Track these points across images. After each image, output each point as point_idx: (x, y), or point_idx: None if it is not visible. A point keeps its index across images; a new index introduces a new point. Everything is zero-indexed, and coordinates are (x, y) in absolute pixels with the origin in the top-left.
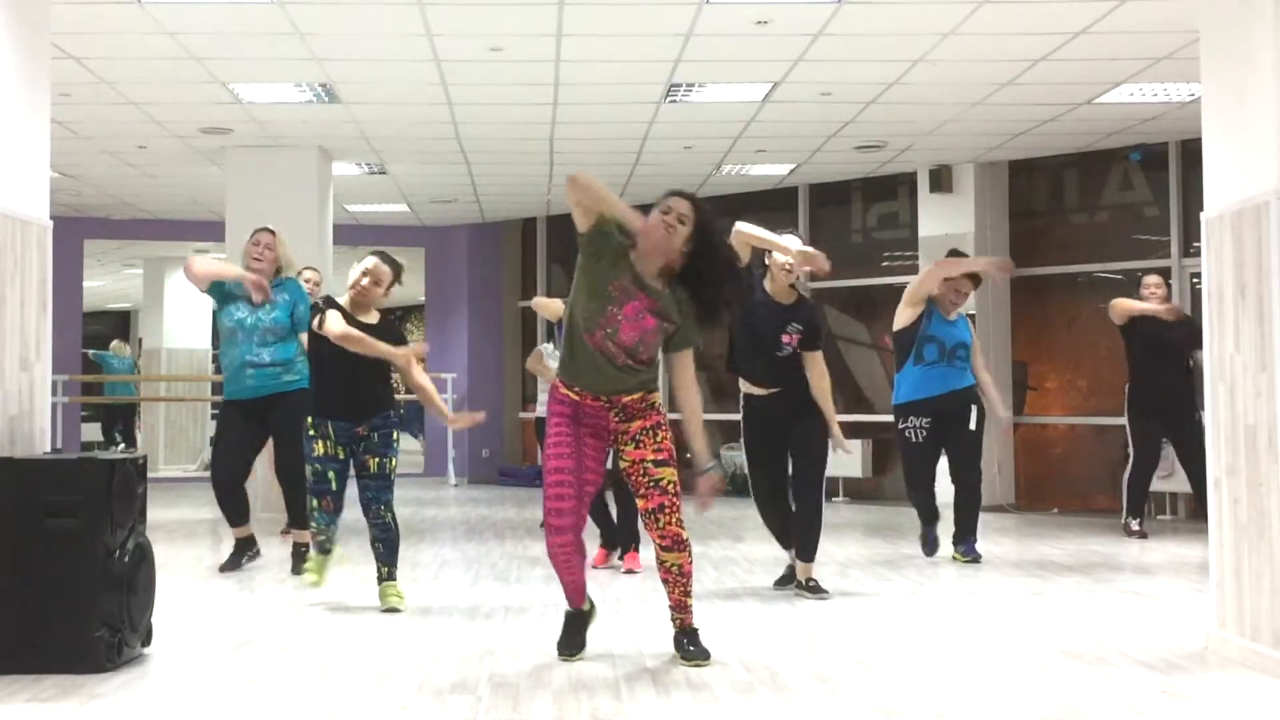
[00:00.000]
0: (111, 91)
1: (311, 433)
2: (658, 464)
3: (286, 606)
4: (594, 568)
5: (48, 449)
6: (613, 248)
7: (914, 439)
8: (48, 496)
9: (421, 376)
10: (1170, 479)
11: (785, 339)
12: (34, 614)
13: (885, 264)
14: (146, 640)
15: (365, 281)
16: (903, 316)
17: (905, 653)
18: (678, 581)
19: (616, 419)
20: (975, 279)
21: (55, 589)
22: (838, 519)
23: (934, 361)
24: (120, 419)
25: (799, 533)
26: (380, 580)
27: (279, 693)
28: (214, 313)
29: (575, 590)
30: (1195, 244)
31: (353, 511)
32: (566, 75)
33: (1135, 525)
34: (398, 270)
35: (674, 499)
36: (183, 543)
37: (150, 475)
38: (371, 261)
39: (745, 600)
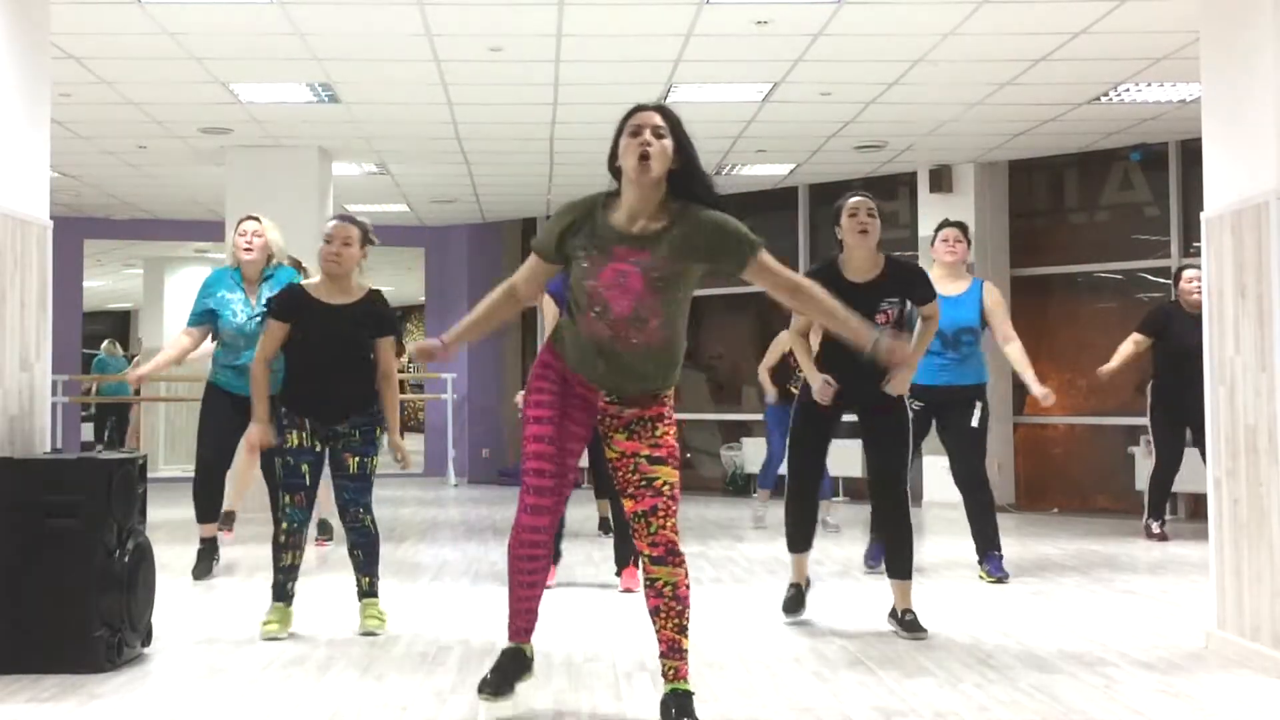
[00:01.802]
0: (111, 91)
1: (284, 422)
2: (653, 460)
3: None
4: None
5: (48, 449)
6: (580, 226)
7: None
8: (48, 496)
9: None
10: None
11: (880, 319)
12: (34, 614)
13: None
14: (146, 640)
15: (335, 247)
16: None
17: (905, 653)
18: (670, 610)
19: (608, 398)
20: (962, 228)
21: (55, 589)
22: (838, 518)
23: (937, 352)
24: (114, 417)
25: (889, 543)
26: (360, 594)
27: (279, 693)
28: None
29: (526, 615)
30: (1195, 244)
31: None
32: (566, 75)
33: (1156, 528)
34: (364, 227)
35: (669, 502)
36: (183, 543)
37: (150, 475)
38: (331, 225)
39: (744, 600)
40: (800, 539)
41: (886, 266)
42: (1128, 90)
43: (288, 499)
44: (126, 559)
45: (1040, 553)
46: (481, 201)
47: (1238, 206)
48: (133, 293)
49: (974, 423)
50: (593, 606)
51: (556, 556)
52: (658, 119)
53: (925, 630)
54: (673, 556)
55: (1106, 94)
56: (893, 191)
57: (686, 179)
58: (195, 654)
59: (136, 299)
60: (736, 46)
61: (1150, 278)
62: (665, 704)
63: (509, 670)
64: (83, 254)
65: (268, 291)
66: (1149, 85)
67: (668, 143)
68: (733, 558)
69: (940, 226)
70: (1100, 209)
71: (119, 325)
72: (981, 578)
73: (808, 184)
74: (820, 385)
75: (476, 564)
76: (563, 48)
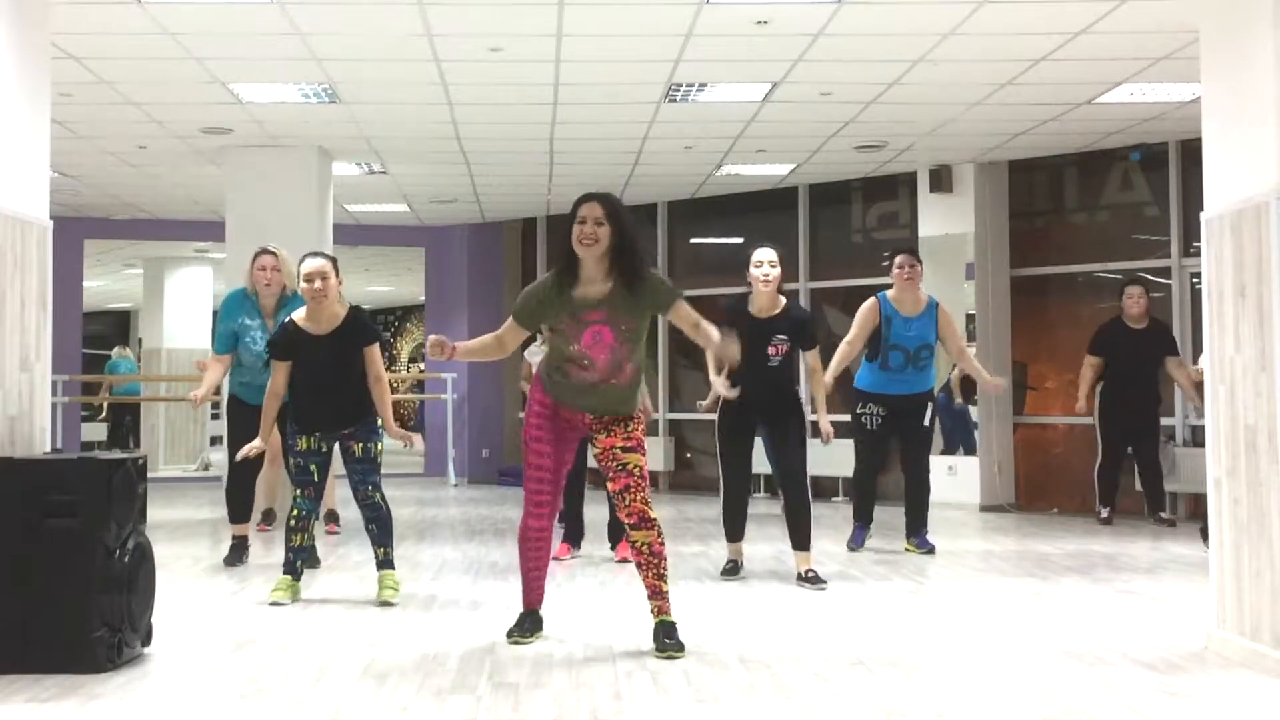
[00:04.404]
0: (111, 91)
1: (294, 428)
2: (626, 450)
3: (286, 606)
4: (555, 559)
5: (48, 449)
6: (549, 304)
7: (869, 425)
8: (48, 496)
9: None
10: (1169, 478)
11: (771, 350)
12: (34, 614)
13: (885, 264)
14: (146, 640)
15: (316, 284)
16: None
17: (905, 653)
18: (650, 563)
19: (591, 415)
20: (914, 253)
21: (55, 589)
22: (837, 518)
23: (899, 368)
24: (128, 416)
25: (793, 522)
26: (378, 565)
27: (279, 693)
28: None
29: (536, 586)
30: (1195, 244)
31: (348, 510)
32: (566, 75)
33: (1104, 514)
34: (332, 259)
35: (639, 480)
36: (183, 543)
37: (150, 475)
38: (307, 266)
39: (745, 600)
40: (737, 531)
41: (785, 309)
42: (1128, 90)
43: (298, 491)
44: (126, 559)
45: (1040, 553)
46: (481, 201)
47: (1238, 206)
48: (133, 293)
49: (925, 422)
50: (593, 605)
51: (579, 539)
52: (599, 210)
53: (825, 581)
54: (645, 523)
55: (1106, 94)
56: (893, 191)
57: (623, 253)
58: (195, 654)
59: (136, 299)
60: (736, 46)
61: (1150, 278)
62: (656, 632)
63: (528, 625)
64: (83, 254)
65: (284, 317)
66: (1149, 85)
67: (605, 229)
68: None
69: (894, 254)
70: (1100, 209)
71: (119, 325)
72: (908, 549)
73: (808, 184)
74: (719, 391)
75: (476, 564)
76: (563, 48)
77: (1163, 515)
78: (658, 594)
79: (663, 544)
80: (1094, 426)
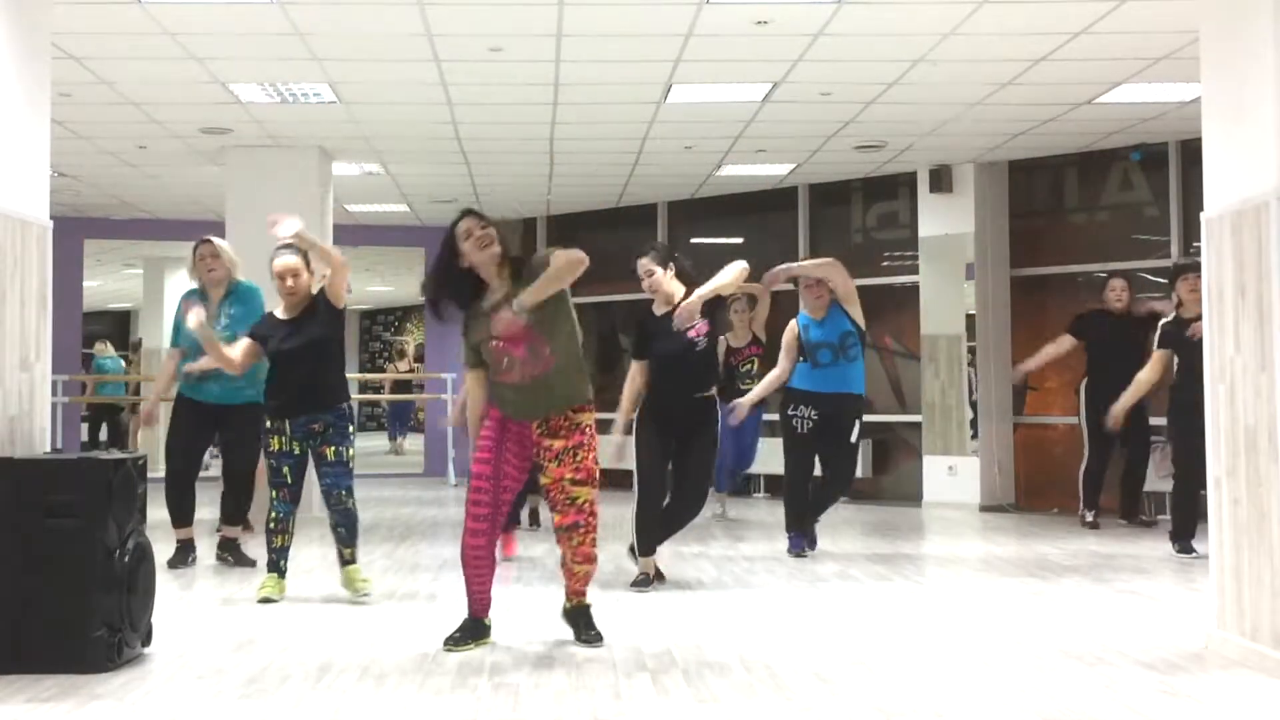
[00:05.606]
0: (111, 91)
1: (269, 424)
2: (575, 483)
3: (286, 606)
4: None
5: (48, 449)
6: (474, 325)
7: (799, 429)
8: (48, 496)
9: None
10: (1163, 477)
11: (692, 334)
12: (34, 614)
13: (885, 264)
14: (146, 640)
15: (289, 283)
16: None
17: (905, 653)
18: (583, 579)
19: (539, 432)
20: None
21: (55, 589)
22: (836, 518)
23: (830, 363)
24: (107, 418)
25: (674, 522)
26: (343, 563)
27: (279, 693)
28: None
29: (480, 600)
30: (1195, 244)
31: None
32: (566, 75)
33: (1090, 517)
34: (303, 253)
35: (589, 518)
36: None
37: (150, 475)
38: (279, 262)
39: (745, 600)
40: (652, 545)
41: (684, 294)
42: (1128, 90)
43: (274, 494)
44: (126, 559)
45: (1040, 553)
46: (481, 201)
47: (1238, 206)
48: (133, 293)
49: (852, 439)
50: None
51: (514, 524)
52: (477, 220)
53: (665, 578)
54: (590, 560)
55: (1106, 94)
56: (893, 191)
57: (507, 254)
58: (195, 654)
59: (136, 299)
60: (736, 46)
61: (1150, 278)
62: (573, 617)
63: (469, 632)
64: (83, 254)
65: (227, 307)
66: (1149, 85)
67: (491, 231)
68: (732, 557)
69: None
70: (1100, 209)
71: (119, 325)
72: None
73: (808, 184)
74: (614, 449)
75: None
76: (563, 48)
77: (1144, 518)
78: (579, 594)
79: (595, 568)
80: (1081, 426)
